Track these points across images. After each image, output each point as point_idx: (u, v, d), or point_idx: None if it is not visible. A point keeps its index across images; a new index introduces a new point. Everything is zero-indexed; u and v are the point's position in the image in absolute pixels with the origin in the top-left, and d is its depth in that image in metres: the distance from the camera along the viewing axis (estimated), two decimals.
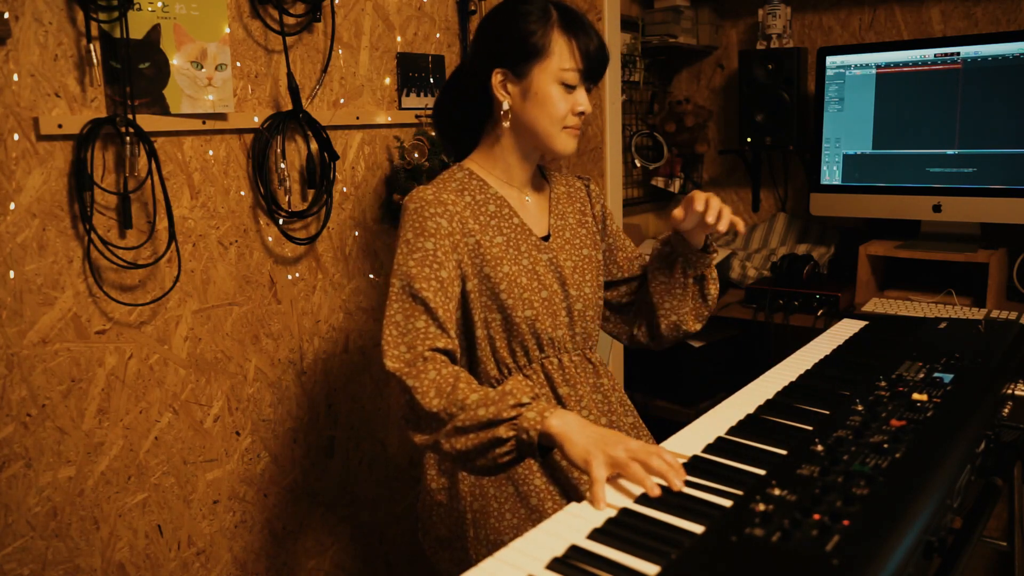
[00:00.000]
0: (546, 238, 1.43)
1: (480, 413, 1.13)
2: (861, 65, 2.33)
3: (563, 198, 1.50)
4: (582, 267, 1.45)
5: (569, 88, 1.33)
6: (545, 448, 1.11)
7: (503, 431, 1.11)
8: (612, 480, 1.01)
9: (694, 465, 1.04)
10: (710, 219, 1.30)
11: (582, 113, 1.35)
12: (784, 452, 1.05)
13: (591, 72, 1.34)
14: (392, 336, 1.24)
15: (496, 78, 1.34)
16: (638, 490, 0.97)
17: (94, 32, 1.48)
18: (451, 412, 1.15)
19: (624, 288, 1.56)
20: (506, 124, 1.37)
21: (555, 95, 1.32)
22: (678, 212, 1.35)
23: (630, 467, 0.98)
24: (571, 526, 0.89)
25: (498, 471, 1.16)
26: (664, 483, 0.97)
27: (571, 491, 1.34)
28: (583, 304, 1.43)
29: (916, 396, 1.19)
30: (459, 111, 1.44)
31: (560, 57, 1.31)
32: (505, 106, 1.35)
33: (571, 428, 1.07)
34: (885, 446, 1.01)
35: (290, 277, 1.89)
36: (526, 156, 1.41)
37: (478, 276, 1.33)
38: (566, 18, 1.32)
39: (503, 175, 1.42)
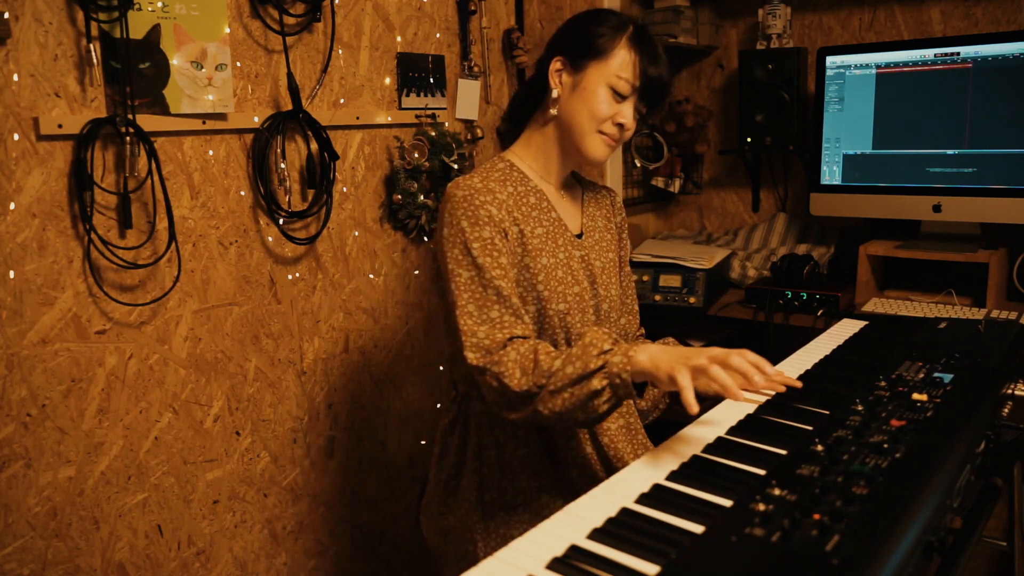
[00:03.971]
0: (579, 236, 1.46)
1: (568, 371, 1.15)
2: (861, 65, 2.33)
3: (593, 202, 1.53)
4: (609, 269, 1.48)
5: (618, 96, 1.35)
6: (639, 385, 1.16)
7: (596, 382, 1.14)
8: (613, 479, 1.01)
9: (694, 465, 1.04)
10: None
11: (621, 125, 1.37)
12: (784, 452, 1.05)
13: (645, 91, 1.36)
14: (469, 327, 1.26)
15: (554, 65, 1.38)
16: (638, 490, 0.97)
17: (94, 32, 1.47)
18: (540, 384, 1.17)
19: None
20: (552, 111, 1.39)
21: (601, 95, 1.34)
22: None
23: (710, 369, 1.06)
24: (571, 526, 0.89)
25: (600, 420, 1.19)
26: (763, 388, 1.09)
27: (585, 488, 1.35)
28: (608, 305, 1.46)
29: (916, 396, 1.19)
30: (523, 98, 1.48)
31: (619, 64, 1.34)
32: (554, 94, 1.38)
33: (657, 357, 1.12)
34: (885, 446, 1.01)
35: (290, 277, 1.89)
36: (565, 154, 1.43)
37: (519, 265, 1.35)
38: (639, 36, 1.36)
39: (541, 170, 1.44)
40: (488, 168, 1.41)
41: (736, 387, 1.05)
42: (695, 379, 1.08)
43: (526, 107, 1.47)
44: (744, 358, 1.08)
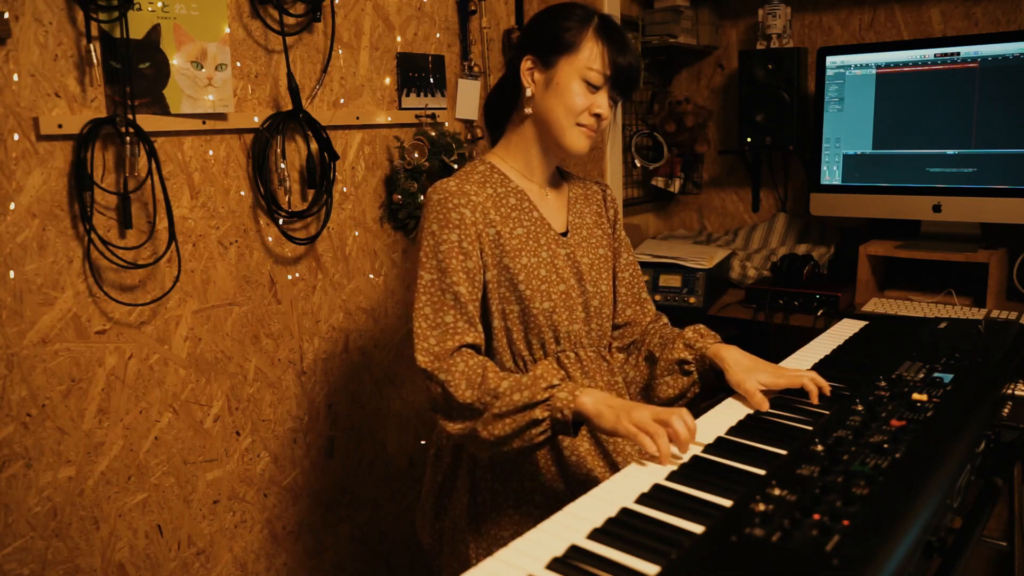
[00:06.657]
0: (564, 234, 1.45)
1: (515, 398, 1.20)
2: (861, 65, 2.33)
3: (581, 199, 1.53)
4: (599, 265, 1.48)
5: (592, 88, 1.36)
6: (577, 424, 1.20)
7: (539, 412, 1.19)
8: (613, 479, 1.01)
9: (694, 465, 1.04)
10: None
11: (598, 116, 1.38)
12: (784, 452, 1.05)
13: (617, 80, 1.38)
14: (422, 329, 1.30)
15: (525, 64, 1.39)
16: (638, 490, 0.97)
17: (94, 32, 1.47)
18: (485, 401, 1.22)
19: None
20: (527, 110, 1.40)
21: (575, 89, 1.35)
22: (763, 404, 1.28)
23: (650, 427, 1.09)
24: (571, 526, 0.89)
25: (532, 451, 1.25)
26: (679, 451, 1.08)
27: (578, 488, 1.35)
28: (599, 301, 1.45)
29: (916, 396, 1.19)
30: (496, 100, 1.50)
31: (588, 56, 1.35)
32: (528, 93, 1.39)
33: (600, 402, 1.17)
34: (885, 446, 1.01)
35: (290, 277, 1.89)
36: (545, 151, 1.44)
37: (497, 267, 1.36)
38: (605, 26, 1.37)
39: (524, 169, 1.45)
40: (468, 170, 1.42)
41: (669, 454, 1.07)
42: (636, 433, 1.11)
43: (501, 109, 1.48)
44: (684, 421, 1.10)
